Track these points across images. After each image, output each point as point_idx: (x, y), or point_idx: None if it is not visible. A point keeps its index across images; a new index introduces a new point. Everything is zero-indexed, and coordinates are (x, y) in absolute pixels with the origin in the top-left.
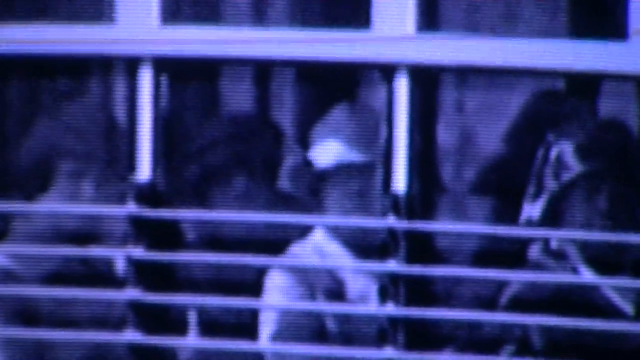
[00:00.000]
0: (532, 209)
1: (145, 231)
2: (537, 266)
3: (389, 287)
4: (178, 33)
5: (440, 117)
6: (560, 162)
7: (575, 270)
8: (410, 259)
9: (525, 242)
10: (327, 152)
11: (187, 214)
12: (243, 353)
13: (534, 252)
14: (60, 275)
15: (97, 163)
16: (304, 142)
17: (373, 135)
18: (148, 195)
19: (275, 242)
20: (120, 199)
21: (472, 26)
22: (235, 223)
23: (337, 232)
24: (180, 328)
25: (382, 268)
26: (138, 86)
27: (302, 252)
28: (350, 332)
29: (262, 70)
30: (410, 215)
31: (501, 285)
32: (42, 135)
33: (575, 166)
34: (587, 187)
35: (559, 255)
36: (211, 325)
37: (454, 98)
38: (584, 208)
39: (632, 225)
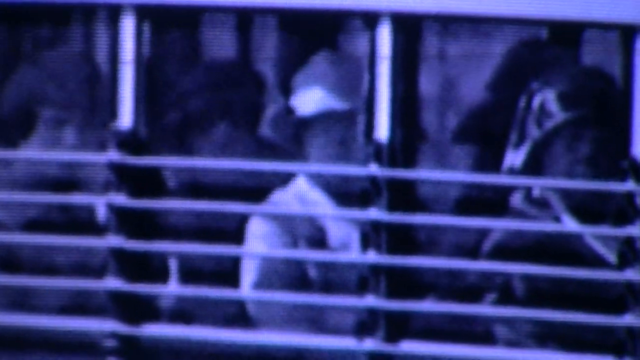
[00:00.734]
0: (515, 157)
1: (126, 178)
2: (520, 214)
3: (370, 235)
4: None
5: (423, 65)
6: (543, 110)
7: (557, 219)
8: (392, 207)
9: (507, 190)
10: (309, 99)
11: (168, 161)
12: (225, 301)
13: (517, 200)
14: (42, 222)
15: (78, 110)
16: (286, 90)
17: (355, 83)
18: (130, 142)
19: (257, 189)
20: (102, 146)
21: None
22: (217, 170)
23: (319, 180)
24: (161, 275)
25: (363, 216)
26: (120, 33)
27: (284, 200)
28: (332, 280)
29: (244, 18)
30: (393, 163)
31: (484, 233)
32: (24, 83)
33: (558, 114)
34: (569, 135)
35: (542, 204)
36: (192, 272)
37: (436, 46)
38: (567, 156)
39: (614, 174)
